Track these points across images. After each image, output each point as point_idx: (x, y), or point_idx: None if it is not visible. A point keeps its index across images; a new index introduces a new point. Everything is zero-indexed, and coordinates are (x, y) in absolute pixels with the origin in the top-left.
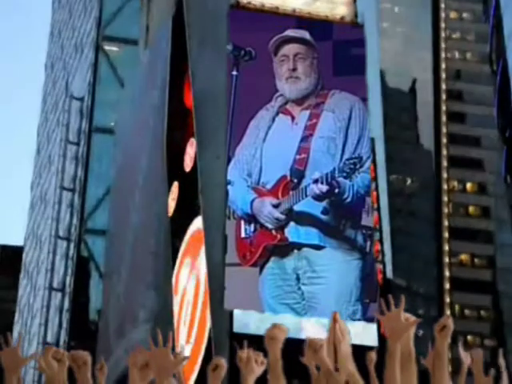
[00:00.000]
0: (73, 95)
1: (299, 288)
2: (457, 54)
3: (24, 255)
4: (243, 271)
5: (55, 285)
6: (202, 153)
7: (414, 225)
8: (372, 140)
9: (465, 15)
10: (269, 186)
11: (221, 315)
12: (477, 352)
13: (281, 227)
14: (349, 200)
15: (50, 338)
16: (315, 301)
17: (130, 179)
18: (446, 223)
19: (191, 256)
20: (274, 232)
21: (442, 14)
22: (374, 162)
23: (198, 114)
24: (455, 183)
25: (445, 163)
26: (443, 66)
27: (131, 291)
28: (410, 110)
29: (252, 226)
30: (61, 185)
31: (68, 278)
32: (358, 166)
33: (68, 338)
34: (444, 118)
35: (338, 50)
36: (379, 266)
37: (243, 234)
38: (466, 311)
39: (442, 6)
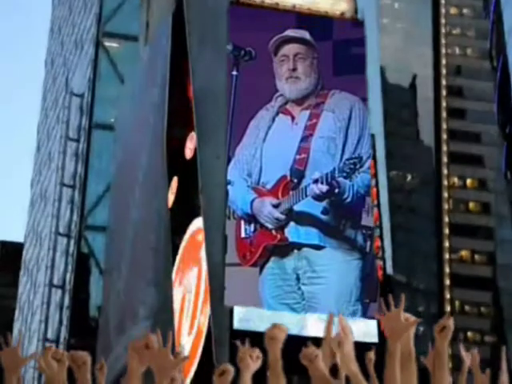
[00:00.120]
0: (73, 92)
1: (299, 288)
2: (457, 50)
3: (24, 252)
4: (243, 271)
5: (55, 281)
6: (201, 148)
7: (414, 221)
8: (372, 136)
9: (465, 11)
10: (269, 186)
11: (221, 312)
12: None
13: (281, 227)
14: (349, 200)
15: (50, 335)
16: (315, 301)
17: (130, 176)
18: (446, 219)
19: (191, 256)
20: (274, 232)
21: (443, 10)
22: (374, 158)
23: (198, 113)
24: (455, 179)
25: (445, 159)
26: (443, 61)
27: (131, 288)
28: (411, 106)
29: (252, 225)
30: (61, 181)
31: (68, 275)
32: (357, 166)
33: (68, 335)
34: (444, 114)
35: (338, 50)
36: (379, 263)
37: (243, 234)
38: (467, 307)
39: (442, 1)
